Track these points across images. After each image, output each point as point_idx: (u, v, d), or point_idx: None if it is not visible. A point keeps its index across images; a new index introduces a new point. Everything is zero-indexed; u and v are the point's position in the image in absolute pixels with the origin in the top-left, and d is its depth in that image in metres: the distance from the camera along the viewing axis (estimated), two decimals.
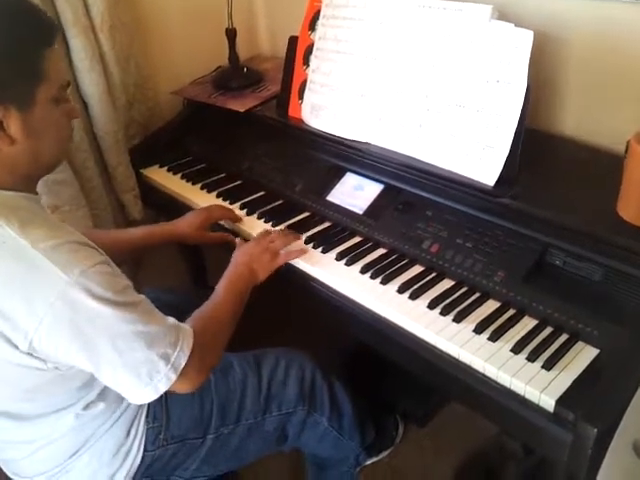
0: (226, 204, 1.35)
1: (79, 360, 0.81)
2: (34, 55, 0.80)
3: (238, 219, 1.29)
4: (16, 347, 0.78)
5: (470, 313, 0.96)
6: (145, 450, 0.99)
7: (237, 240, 1.20)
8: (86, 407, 0.91)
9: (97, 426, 0.94)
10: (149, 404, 0.98)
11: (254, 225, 1.27)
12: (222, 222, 1.30)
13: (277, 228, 1.23)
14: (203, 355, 0.88)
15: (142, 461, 0.99)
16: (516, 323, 0.94)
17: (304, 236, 1.20)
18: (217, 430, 1.05)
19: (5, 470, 0.99)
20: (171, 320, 0.87)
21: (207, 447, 1.04)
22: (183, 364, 0.84)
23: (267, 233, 1.17)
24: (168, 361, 0.83)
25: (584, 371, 0.84)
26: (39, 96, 0.80)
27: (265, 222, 1.27)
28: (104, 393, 0.92)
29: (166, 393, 0.85)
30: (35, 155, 0.84)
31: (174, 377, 0.84)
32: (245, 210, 1.32)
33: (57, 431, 0.91)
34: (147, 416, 0.99)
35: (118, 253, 1.23)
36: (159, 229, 1.27)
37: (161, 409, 1.01)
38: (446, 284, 1.04)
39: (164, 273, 1.59)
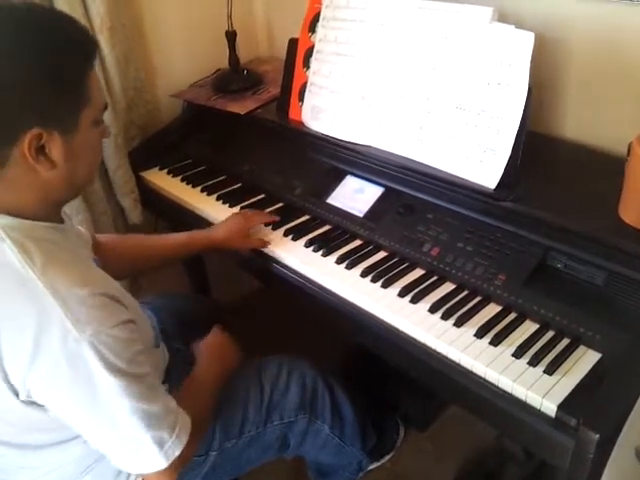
0: (226, 207, 1.34)
1: (70, 418, 0.77)
2: (80, 78, 0.77)
3: (275, 220, 1.25)
4: (17, 395, 0.75)
5: (471, 317, 0.96)
6: None
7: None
8: None
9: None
10: None
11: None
12: None
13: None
14: (190, 447, 0.83)
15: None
16: (517, 327, 0.93)
17: (304, 239, 1.19)
18: (220, 446, 1.02)
19: None
20: (173, 403, 0.82)
21: (210, 463, 1.02)
22: (177, 453, 0.79)
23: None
24: (162, 447, 0.78)
25: (586, 376, 0.83)
26: (82, 119, 0.78)
27: (265, 225, 1.26)
28: None
29: None
30: (71, 179, 0.80)
31: (164, 465, 0.78)
32: None
33: (63, 459, 0.88)
34: None
35: (160, 258, 1.22)
36: (199, 235, 1.23)
37: None
38: (447, 288, 1.03)
39: (165, 282, 1.58)
